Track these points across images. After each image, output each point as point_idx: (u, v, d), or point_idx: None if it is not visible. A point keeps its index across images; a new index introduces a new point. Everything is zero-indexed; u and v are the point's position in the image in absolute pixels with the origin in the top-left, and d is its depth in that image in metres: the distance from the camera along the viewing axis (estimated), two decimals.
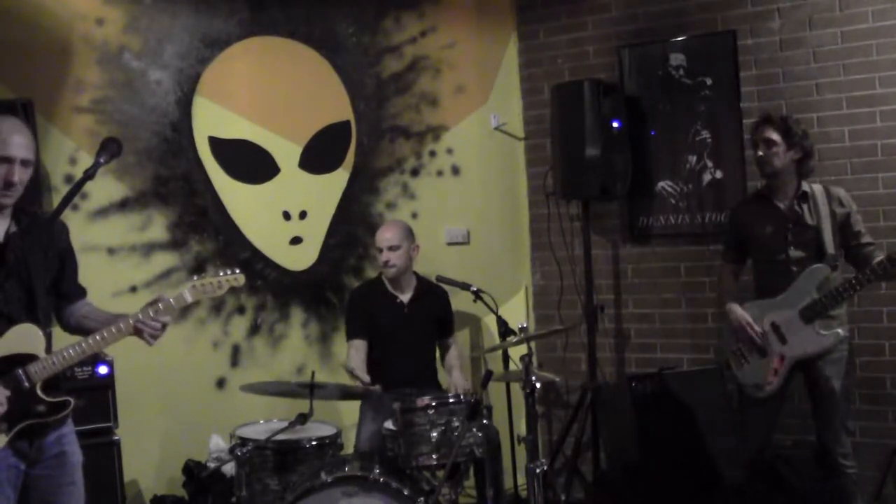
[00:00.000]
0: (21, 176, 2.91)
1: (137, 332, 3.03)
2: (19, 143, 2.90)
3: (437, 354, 4.85)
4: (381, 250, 4.69)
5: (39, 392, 2.91)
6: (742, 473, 4.16)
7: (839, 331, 3.99)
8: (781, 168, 4.05)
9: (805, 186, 4.08)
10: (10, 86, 4.27)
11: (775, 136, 4.03)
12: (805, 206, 4.06)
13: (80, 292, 3.22)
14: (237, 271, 3.26)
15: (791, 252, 4.05)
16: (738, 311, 4.12)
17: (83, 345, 2.96)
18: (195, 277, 3.20)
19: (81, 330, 3.11)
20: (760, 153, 4.07)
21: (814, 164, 4.18)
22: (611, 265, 5.48)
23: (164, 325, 3.05)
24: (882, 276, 3.92)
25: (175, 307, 3.07)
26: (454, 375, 4.75)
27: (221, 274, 3.22)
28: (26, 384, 2.88)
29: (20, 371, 2.88)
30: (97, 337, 2.98)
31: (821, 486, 4.11)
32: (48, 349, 2.97)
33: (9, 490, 2.90)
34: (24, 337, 2.92)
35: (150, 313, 3.02)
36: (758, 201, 4.21)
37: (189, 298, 3.12)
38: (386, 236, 4.69)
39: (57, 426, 3.02)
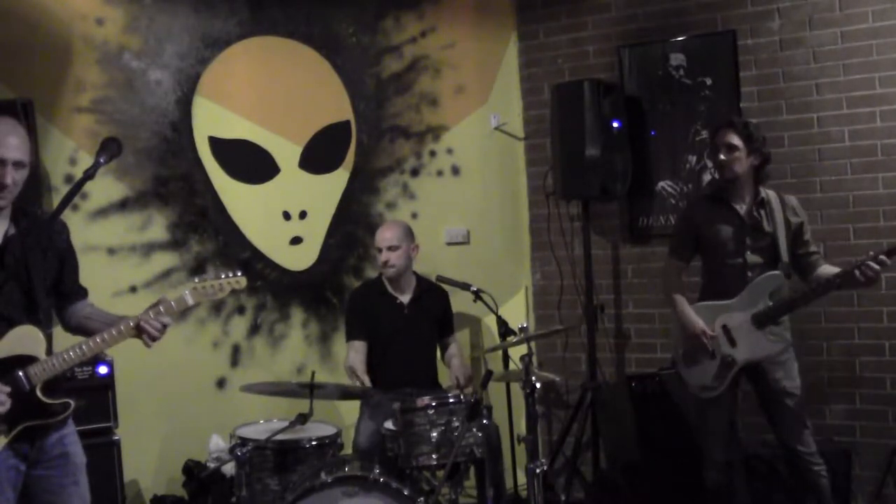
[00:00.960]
0: (14, 177, 2.90)
1: (138, 332, 3.02)
2: (12, 145, 2.89)
3: (438, 354, 4.86)
4: (380, 250, 4.69)
5: (39, 394, 2.91)
6: (719, 475, 4.15)
7: (788, 336, 4.06)
8: (741, 173, 4.06)
9: (762, 192, 4.10)
10: (10, 86, 4.27)
11: (737, 142, 4.03)
12: (763, 212, 4.08)
13: (81, 292, 3.22)
14: (238, 273, 3.25)
15: (748, 257, 4.07)
16: (693, 317, 4.11)
17: (83, 347, 2.96)
18: (196, 279, 3.18)
19: (83, 330, 3.10)
20: (722, 157, 4.07)
21: (770, 170, 4.17)
22: (611, 265, 5.48)
23: (165, 327, 3.04)
24: (839, 287, 3.94)
25: (176, 309, 3.07)
26: (454, 364, 4.76)
27: (223, 276, 3.21)
28: (26, 386, 2.88)
29: (20, 373, 2.88)
30: (97, 339, 2.98)
31: (796, 491, 4.14)
32: (49, 351, 2.97)
33: (9, 491, 2.90)
34: (25, 339, 2.92)
35: (151, 314, 3.02)
36: (715, 203, 4.19)
37: (190, 301, 3.12)
38: (385, 236, 4.69)
39: (58, 427, 3.01)
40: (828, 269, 4.02)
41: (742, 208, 4.10)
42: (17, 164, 2.90)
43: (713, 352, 4.07)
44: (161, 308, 3.04)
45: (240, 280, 3.24)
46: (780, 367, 4.05)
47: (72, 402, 3.00)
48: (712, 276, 4.22)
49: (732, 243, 4.09)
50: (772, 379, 4.05)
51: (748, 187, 4.10)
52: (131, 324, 3.00)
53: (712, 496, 4.20)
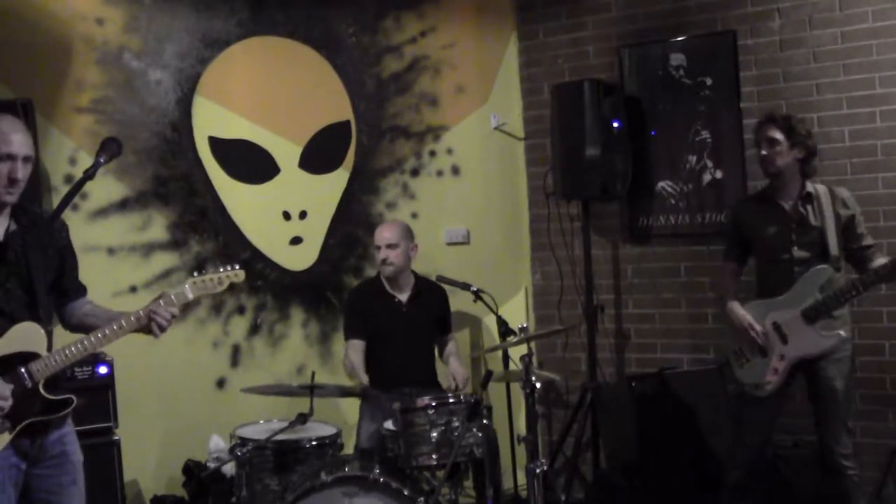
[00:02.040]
0: (24, 173, 2.93)
1: (146, 326, 3.03)
2: (21, 141, 2.92)
3: (436, 353, 4.86)
4: (379, 248, 4.70)
5: (42, 390, 2.91)
6: (742, 473, 4.15)
7: (841, 332, 3.98)
8: (784, 167, 4.03)
9: (809, 187, 4.06)
10: (10, 86, 4.27)
11: (778, 136, 4.01)
12: (809, 207, 4.04)
13: (81, 290, 3.23)
14: (237, 267, 3.26)
15: (795, 252, 4.03)
16: (740, 312, 4.10)
17: (85, 342, 2.97)
18: (195, 274, 3.19)
19: (83, 328, 3.11)
20: (763, 152, 4.05)
21: (816, 163, 4.16)
22: (611, 265, 5.48)
23: (173, 316, 3.06)
24: (885, 279, 3.92)
25: (177, 303, 3.08)
26: (451, 363, 4.76)
27: (221, 270, 3.22)
28: (28, 382, 2.88)
29: (22, 369, 2.88)
30: (98, 335, 2.99)
31: (822, 487, 4.10)
32: (49, 348, 2.97)
33: (10, 489, 2.90)
34: (26, 335, 2.92)
35: (161, 303, 3.04)
36: (761, 200, 4.19)
37: (190, 295, 3.13)
38: (385, 235, 4.70)
39: (58, 425, 3.02)
40: (881, 261, 3.95)
41: (788, 204, 4.07)
42: (26, 160, 2.94)
43: (764, 349, 4.05)
44: (162, 302, 3.05)
45: (238, 273, 3.25)
46: (834, 365, 3.97)
47: (74, 398, 3.00)
48: (763, 275, 4.19)
49: (778, 240, 4.05)
50: (824, 377, 3.98)
51: (794, 182, 4.06)
52: (141, 313, 3.01)
53: (729, 494, 4.18)
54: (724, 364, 4.28)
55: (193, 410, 4.71)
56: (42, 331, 2.95)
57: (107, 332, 2.99)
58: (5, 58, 4.29)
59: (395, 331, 4.66)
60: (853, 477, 4.00)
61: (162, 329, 3.05)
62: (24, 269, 2.95)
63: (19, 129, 2.96)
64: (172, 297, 3.08)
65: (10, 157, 2.89)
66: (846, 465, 3.99)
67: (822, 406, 4.02)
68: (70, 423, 3.09)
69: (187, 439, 4.62)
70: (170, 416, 4.68)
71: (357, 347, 4.63)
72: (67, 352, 2.94)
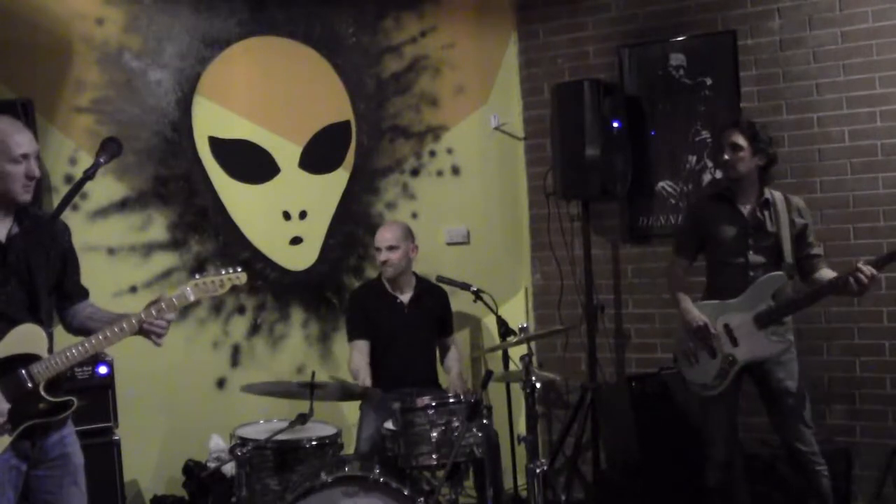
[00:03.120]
0: (37, 169, 2.98)
1: (143, 332, 3.03)
2: (29, 139, 2.98)
3: (437, 354, 4.86)
4: (379, 250, 4.70)
5: (42, 392, 2.91)
6: (722, 474, 4.15)
7: (790, 337, 4.07)
8: (745, 173, 4.07)
9: (767, 193, 4.11)
10: (10, 86, 4.27)
11: (741, 142, 4.05)
12: (767, 213, 4.09)
13: (83, 293, 3.23)
14: (239, 269, 3.25)
15: (751, 257, 4.08)
16: (694, 312, 4.13)
17: (86, 344, 2.97)
18: (197, 276, 3.19)
19: (85, 331, 3.11)
20: (726, 157, 4.09)
21: (776, 170, 4.19)
22: (611, 265, 5.48)
23: (168, 323, 3.05)
24: (840, 292, 3.96)
25: (177, 304, 3.07)
26: (451, 378, 4.75)
27: (223, 272, 3.21)
28: (29, 384, 2.88)
29: (23, 371, 2.88)
30: (100, 336, 2.99)
31: (798, 491, 4.14)
32: (50, 350, 2.97)
33: (10, 491, 2.90)
34: (27, 337, 2.92)
35: (154, 312, 3.02)
36: (720, 202, 4.20)
37: (191, 297, 3.12)
38: (385, 236, 4.70)
39: (59, 427, 3.02)
40: (826, 273, 4.04)
41: (746, 208, 4.11)
42: (37, 156, 2.99)
43: (714, 350, 4.07)
44: (162, 305, 3.04)
45: (240, 276, 3.23)
46: (782, 367, 4.06)
47: (74, 400, 3.00)
48: (715, 276, 4.22)
49: (735, 243, 4.10)
50: (774, 379, 4.06)
51: (753, 187, 4.11)
52: (133, 321, 3.00)
53: (713, 496, 4.21)
54: (674, 363, 4.30)
55: (193, 410, 4.71)
56: (43, 333, 2.95)
57: (108, 334, 2.99)
58: (5, 58, 4.29)
59: (397, 332, 4.66)
60: (822, 472, 4.05)
61: (160, 336, 3.05)
62: (25, 271, 2.96)
63: (22, 128, 2.99)
64: (173, 299, 3.07)
65: (25, 157, 2.94)
66: (814, 460, 4.05)
67: (778, 407, 4.09)
68: (70, 425, 3.09)
69: (187, 439, 4.62)
70: (170, 416, 4.68)
71: (362, 348, 4.63)
72: (68, 353, 2.94)
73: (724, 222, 4.14)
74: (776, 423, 4.11)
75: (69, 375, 3.60)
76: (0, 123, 2.98)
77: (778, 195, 4.12)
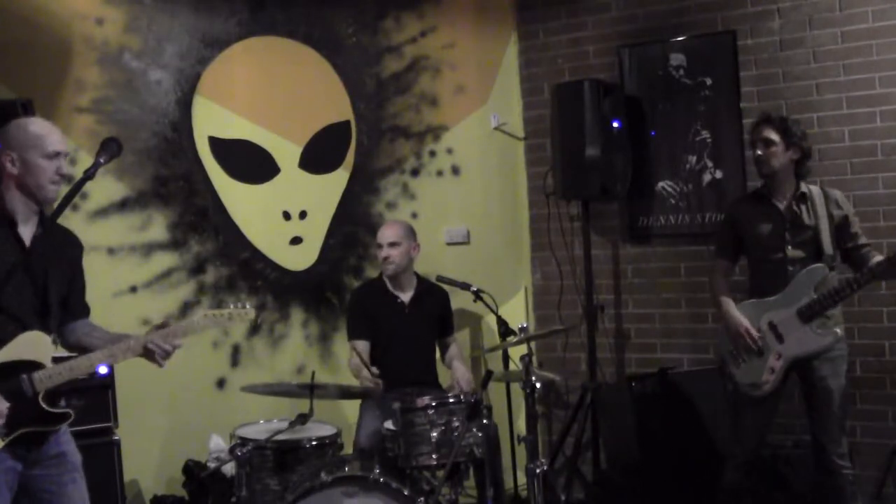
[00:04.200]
0: (67, 168, 3.05)
1: (146, 354, 3.04)
2: (61, 137, 3.04)
3: (438, 354, 4.86)
4: (381, 247, 4.71)
5: (41, 401, 2.90)
6: (739, 474, 4.15)
7: (837, 330, 4.00)
8: (779, 168, 4.05)
9: (803, 187, 4.08)
10: (10, 86, 4.27)
11: (774, 136, 4.03)
12: (803, 207, 4.06)
13: (85, 310, 3.22)
14: (248, 306, 3.29)
15: (789, 252, 4.05)
16: (736, 316, 4.10)
17: (91, 358, 2.97)
18: (208, 310, 3.24)
19: (81, 347, 3.11)
20: (759, 152, 4.07)
21: (811, 164, 4.18)
22: (611, 265, 5.48)
23: (175, 348, 3.07)
24: (880, 277, 3.94)
25: (185, 333, 3.09)
26: (455, 366, 4.76)
27: (233, 307, 3.25)
28: (29, 392, 2.87)
29: (25, 378, 2.87)
30: (106, 352, 3.00)
31: (818, 487, 4.10)
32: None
33: (5, 492, 2.89)
34: (33, 344, 2.91)
35: (160, 337, 3.03)
36: (756, 200, 4.20)
37: (199, 330, 3.16)
38: (387, 233, 4.71)
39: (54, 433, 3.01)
40: (877, 259, 3.96)
41: (782, 204, 4.08)
42: (66, 155, 3.06)
43: (760, 349, 4.05)
44: (169, 331, 3.05)
45: (249, 312, 3.28)
46: (829, 364, 3.99)
47: (72, 413, 3.00)
48: (756, 274, 4.20)
49: (772, 239, 4.07)
50: (818, 377, 3.99)
51: (789, 182, 4.08)
52: (138, 343, 3.02)
53: (725, 495, 4.18)
54: (722, 364, 4.29)
55: (193, 410, 4.71)
56: (50, 342, 2.95)
57: (114, 352, 3.00)
58: (5, 58, 4.29)
59: (398, 331, 4.67)
60: (849, 476, 4.00)
61: (165, 359, 3.06)
62: (41, 277, 2.97)
63: (57, 129, 3.05)
64: (182, 327, 3.09)
65: (58, 155, 2.99)
66: (842, 464, 3.99)
67: (817, 405, 4.03)
68: (65, 425, 3.08)
69: (187, 439, 4.62)
70: (170, 416, 4.68)
71: (362, 348, 4.63)
72: (72, 365, 2.93)
73: (759, 220, 4.11)
74: (811, 420, 4.06)
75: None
76: (37, 123, 3.05)
77: (815, 189, 4.08)
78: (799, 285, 3.99)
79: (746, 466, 4.16)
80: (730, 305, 4.15)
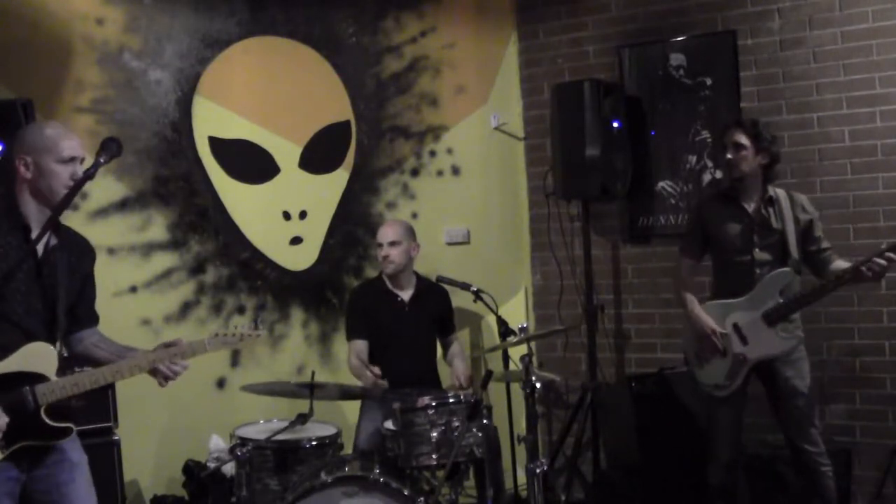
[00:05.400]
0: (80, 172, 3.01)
1: (153, 372, 3.04)
2: (79, 145, 3.00)
3: (439, 353, 4.86)
4: (381, 246, 4.70)
5: (43, 415, 2.87)
6: (726, 474, 4.15)
7: (800, 333, 4.07)
8: (748, 172, 4.08)
9: (771, 191, 4.12)
10: (10, 86, 4.27)
11: (744, 140, 4.06)
12: (771, 210, 4.10)
13: (94, 320, 3.19)
14: (259, 327, 3.27)
15: (756, 254, 4.08)
16: (704, 317, 4.12)
17: (97, 375, 2.95)
18: (220, 330, 3.22)
19: (88, 357, 3.10)
20: (729, 156, 4.10)
21: (779, 169, 4.20)
22: (611, 265, 5.48)
23: (182, 370, 3.07)
24: (847, 283, 3.96)
25: (193, 353, 3.09)
26: (455, 363, 4.77)
27: (244, 329, 3.23)
28: (32, 405, 2.85)
29: (28, 390, 2.84)
30: (115, 369, 2.98)
31: (805, 490, 4.13)
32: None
33: (6, 499, 2.87)
34: (39, 356, 2.89)
35: (169, 357, 3.03)
36: (724, 201, 4.22)
37: (208, 350, 3.14)
38: (387, 232, 4.71)
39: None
40: (840, 265, 4.01)
41: (750, 206, 4.11)
42: (82, 161, 3.02)
43: (725, 350, 4.07)
44: (177, 351, 3.05)
45: (260, 334, 3.26)
46: (790, 365, 4.05)
47: (73, 428, 2.97)
48: (722, 275, 4.22)
49: (740, 241, 4.10)
50: (782, 378, 4.04)
51: (756, 186, 4.11)
52: (146, 361, 3.01)
53: (715, 495, 4.20)
54: (685, 364, 4.30)
55: (193, 410, 4.71)
56: (55, 354, 2.92)
57: (122, 369, 2.99)
58: (5, 58, 4.29)
59: (398, 330, 4.66)
60: (828, 472, 4.04)
61: (167, 380, 3.06)
62: (52, 286, 2.95)
63: (72, 134, 3.03)
64: (191, 347, 3.08)
65: (72, 160, 2.96)
66: (821, 461, 4.04)
67: (786, 408, 4.08)
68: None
69: (187, 439, 4.62)
70: (170, 416, 4.68)
71: (361, 348, 4.63)
72: (78, 380, 2.91)
73: (728, 220, 4.14)
74: (783, 423, 4.10)
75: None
76: (52, 127, 3.02)
77: (781, 192, 4.13)
78: (765, 288, 4.02)
79: (731, 465, 4.16)
80: (695, 305, 4.19)
